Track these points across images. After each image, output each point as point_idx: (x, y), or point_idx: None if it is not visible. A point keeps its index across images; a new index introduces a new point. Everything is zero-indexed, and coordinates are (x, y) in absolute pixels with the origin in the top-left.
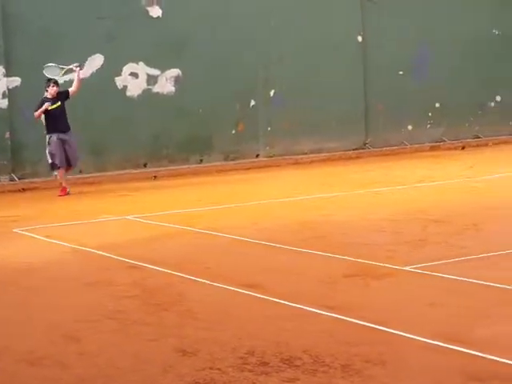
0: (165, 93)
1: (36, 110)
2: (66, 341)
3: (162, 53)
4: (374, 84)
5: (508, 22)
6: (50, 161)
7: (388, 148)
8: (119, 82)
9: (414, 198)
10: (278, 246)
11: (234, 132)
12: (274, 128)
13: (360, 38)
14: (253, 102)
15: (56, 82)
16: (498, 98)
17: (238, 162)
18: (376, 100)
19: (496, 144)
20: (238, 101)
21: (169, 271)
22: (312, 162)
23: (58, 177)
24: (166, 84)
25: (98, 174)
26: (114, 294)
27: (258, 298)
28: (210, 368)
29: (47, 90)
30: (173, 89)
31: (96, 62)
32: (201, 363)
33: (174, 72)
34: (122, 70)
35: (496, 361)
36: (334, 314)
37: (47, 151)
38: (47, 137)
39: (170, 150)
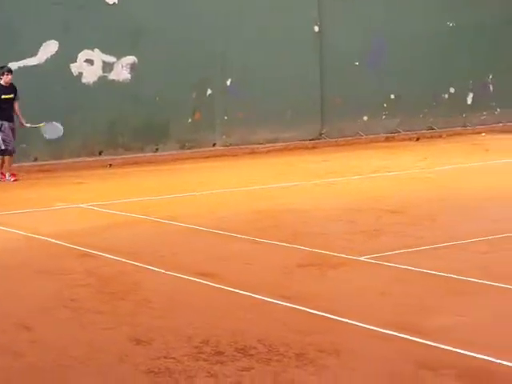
0: (120, 80)
1: None
2: (17, 329)
3: (117, 40)
4: (330, 74)
5: (462, 14)
6: (2, 147)
7: (344, 138)
8: (74, 68)
9: (369, 188)
10: (234, 235)
11: (190, 121)
12: (230, 117)
13: (317, 28)
14: (209, 91)
15: (10, 70)
16: (452, 90)
17: (194, 150)
18: (332, 90)
19: (450, 135)
20: (194, 89)
21: (124, 260)
22: (268, 151)
23: (7, 163)
24: (121, 71)
25: (53, 162)
26: (68, 283)
27: (214, 287)
28: (165, 357)
29: (1, 78)
30: (129, 76)
31: (51, 48)
32: (156, 352)
33: (130, 59)
34: (77, 57)
35: (446, 349)
36: (288, 304)
37: (0, 137)
38: None
39: (126, 138)
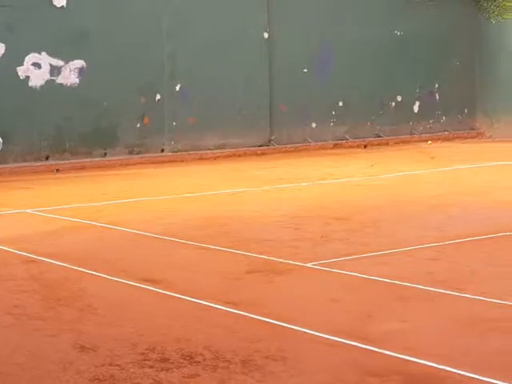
0: (68, 84)
1: None
2: None
3: (65, 43)
4: (279, 81)
5: (408, 24)
6: None
7: (292, 145)
8: (21, 72)
9: (316, 194)
10: (181, 241)
11: (138, 126)
12: (179, 123)
13: (266, 35)
14: (158, 96)
15: None
16: (399, 98)
17: (142, 156)
18: (281, 97)
19: (396, 143)
20: (143, 94)
21: (69, 266)
22: (217, 157)
23: None
24: (69, 75)
25: None
26: (11, 289)
27: (160, 294)
28: (110, 364)
29: None
30: (77, 80)
31: None
32: (100, 359)
33: (78, 63)
34: (23, 60)
35: (392, 356)
36: (235, 310)
37: None
38: None
39: (73, 142)
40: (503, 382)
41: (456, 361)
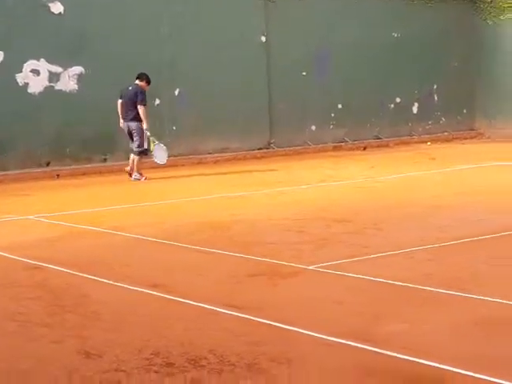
0: (67, 90)
1: None
2: None
3: (64, 50)
4: (278, 84)
5: (406, 26)
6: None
7: (292, 148)
8: (20, 78)
9: (317, 197)
10: (184, 245)
11: None
12: (178, 127)
13: (264, 39)
14: (157, 101)
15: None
16: (398, 100)
17: (143, 161)
18: (280, 100)
19: (396, 144)
20: None
21: (72, 272)
22: (217, 161)
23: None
24: (68, 81)
25: None
26: (15, 296)
27: (163, 298)
28: (115, 370)
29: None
30: (76, 86)
31: None
32: (106, 365)
33: (77, 69)
34: (22, 67)
35: (397, 357)
36: (239, 314)
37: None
38: None
39: (74, 148)
40: (509, 381)
41: (461, 361)
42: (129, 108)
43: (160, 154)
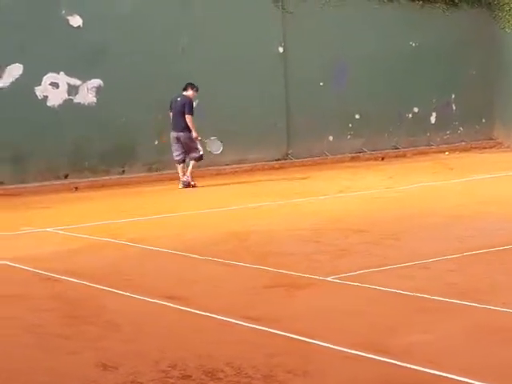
0: (86, 103)
1: None
2: None
3: (82, 63)
4: (296, 95)
5: (424, 35)
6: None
7: (310, 158)
8: (39, 91)
9: (335, 207)
10: (201, 257)
11: (156, 142)
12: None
13: (281, 49)
14: None
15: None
16: (416, 110)
17: (160, 172)
18: (298, 111)
19: (414, 154)
20: (160, 111)
21: (90, 284)
22: (235, 172)
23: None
24: (87, 94)
25: (19, 186)
26: (32, 307)
27: (180, 310)
28: (132, 382)
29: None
30: (94, 99)
31: (15, 71)
32: (123, 377)
33: (96, 82)
34: (41, 80)
35: (414, 369)
36: (256, 326)
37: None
38: None
39: (92, 161)
40: None
41: (479, 373)
42: (178, 119)
43: (214, 146)
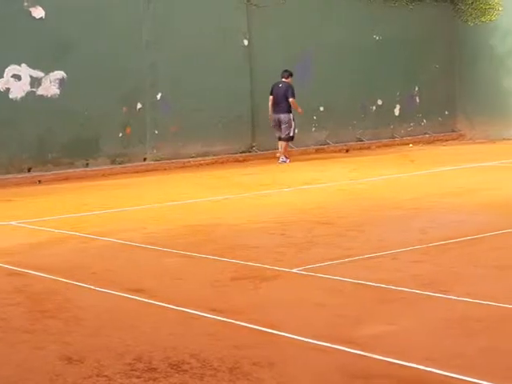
0: (49, 95)
1: None
2: None
3: (45, 55)
4: (260, 87)
5: (387, 28)
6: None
7: (274, 151)
8: (1, 84)
9: (300, 200)
10: (166, 249)
11: (120, 135)
12: (161, 131)
13: (246, 42)
14: (139, 105)
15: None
16: (380, 102)
17: (125, 165)
18: (262, 103)
19: (378, 147)
20: (124, 104)
21: (54, 277)
22: (199, 165)
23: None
24: (50, 86)
25: None
26: None
27: (146, 303)
28: (97, 375)
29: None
30: (57, 91)
31: None
32: (88, 371)
33: (59, 74)
34: (3, 72)
35: (380, 359)
36: (221, 318)
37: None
38: None
39: (55, 153)
40: (490, 382)
41: (444, 363)
42: (280, 102)
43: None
